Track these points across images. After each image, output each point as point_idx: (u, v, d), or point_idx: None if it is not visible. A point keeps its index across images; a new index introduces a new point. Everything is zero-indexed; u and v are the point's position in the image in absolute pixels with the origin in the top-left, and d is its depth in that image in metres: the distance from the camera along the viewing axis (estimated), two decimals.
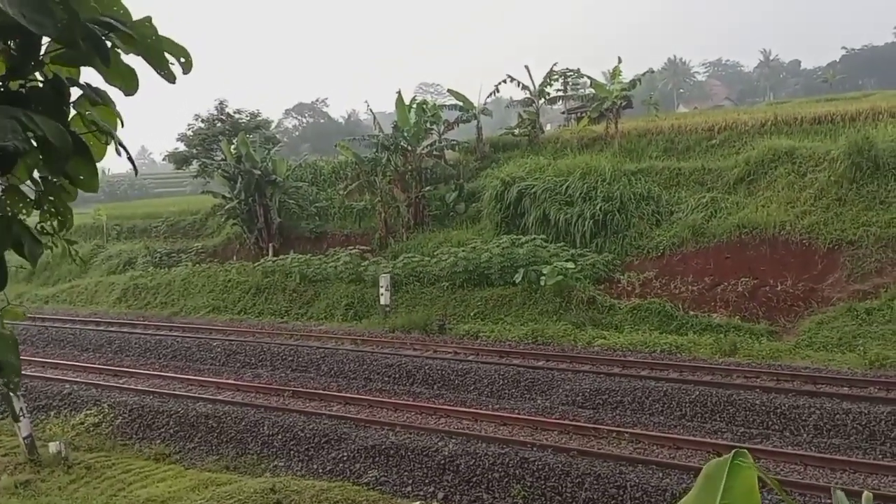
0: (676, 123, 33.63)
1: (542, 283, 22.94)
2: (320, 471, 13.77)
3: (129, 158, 3.01)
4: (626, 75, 33.89)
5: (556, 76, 36.85)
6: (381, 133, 33.96)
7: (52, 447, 14.77)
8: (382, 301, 25.15)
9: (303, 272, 28.76)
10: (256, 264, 31.05)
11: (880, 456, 12.33)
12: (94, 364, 22.10)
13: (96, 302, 33.40)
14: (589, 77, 36.94)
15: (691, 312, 21.57)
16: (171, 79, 2.89)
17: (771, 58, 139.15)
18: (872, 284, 20.20)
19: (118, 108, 2.98)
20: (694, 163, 28.74)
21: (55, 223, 3.16)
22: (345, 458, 13.88)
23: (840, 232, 22.05)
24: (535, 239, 25.58)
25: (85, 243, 41.88)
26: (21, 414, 14.65)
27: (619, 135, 32.72)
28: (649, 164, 29.42)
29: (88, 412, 17.40)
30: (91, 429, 16.76)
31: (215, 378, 19.83)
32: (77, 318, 29.51)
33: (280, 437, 15.02)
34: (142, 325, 27.39)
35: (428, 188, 33.32)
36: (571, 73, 37.97)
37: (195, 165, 44.98)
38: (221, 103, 46.62)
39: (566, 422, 14.66)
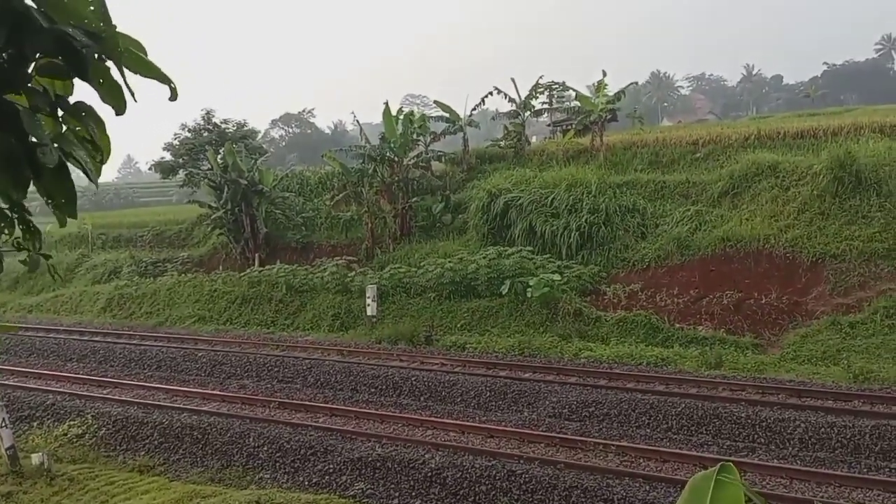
0: (661, 137, 33.91)
1: (529, 294, 23.01)
2: (306, 483, 13.70)
3: (90, 175, 3.01)
4: (611, 88, 34.25)
5: (541, 89, 37.07)
6: (367, 144, 34.02)
7: (35, 458, 14.60)
8: (369, 312, 25.13)
9: (289, 282, 28.69)
10: (242, 274, 30.94)
11: (865, 470, 12.43)
12: (78, 374, 21.91)
13: (80, 311, 33.14)
14: (574, 90, 37.27)
15: (677, 325, 21.70)
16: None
17: (754, 72, 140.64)
18: (856, 298, 20.41)
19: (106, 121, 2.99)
20: (678, 176, 28.98)
21: (30, 240, 3.17)
22: (331, 471, 13.82)
23: (823, 246, 22.27)
24: (521, 251, 25.67)
25: (70, 252, 41.66)
26: (3, 424, 14.50)
27: (605, 147, 32.95)
28: (634, 176, 29.63)
29: (72, 423, 17.22)
30: (74, 440, 16.59)
31: (200, 389, 19.72)
32: (61, 328, 29.27)
33: (266, 448, 14.94)
34: (126, 335, 27.20)
35: (415, 199, 33.37)
36: (557, 86, 38.23)
37: (181, 175, 44.85)
38: (208, 113, 46.58)
39: (553, 434, 14.68)
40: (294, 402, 18.00)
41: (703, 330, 21.29)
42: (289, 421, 16.32)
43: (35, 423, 17.57)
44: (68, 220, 2.98)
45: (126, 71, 2.82)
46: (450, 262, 25.93)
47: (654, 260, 24.85)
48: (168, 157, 45.89)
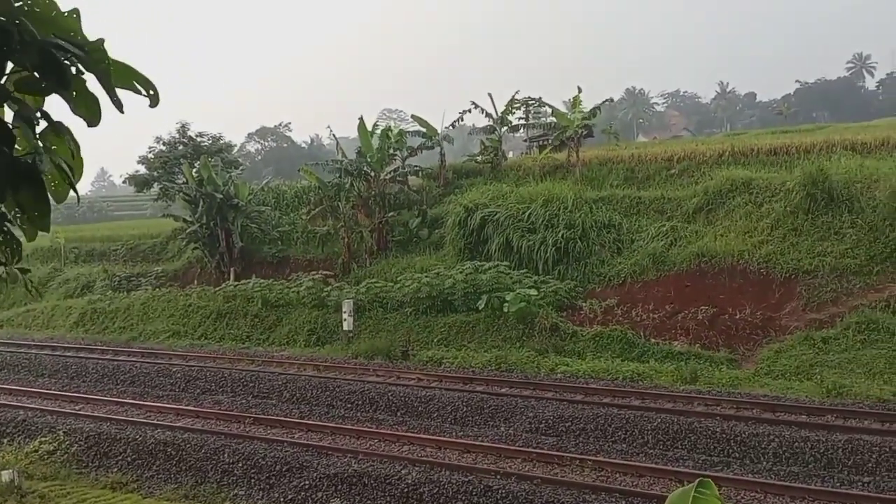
0: (636, 153, 34.26)
1: (506, 309, 23.04)
2: (281, 499, 13.57)
3: (75, 191, 2.99)
4: (587, 105, 34.57)
5: (517, 104, 37.31)
6: (344, 158, 34.00)
7: (5, 476, 14.31)
8: (345, 327, 25.03)
9: (265, 297, 28.50)
10: (217, 289, 30.71)
11: (838, 484, 12.54)
12: (50, 390, 21.57)
13: (53, 326, 32.68)
14: (550, 106, 37.55)
15: (652, 340, 21.82)
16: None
17: (727, 89, 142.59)
18: (828, 314, 20.65)
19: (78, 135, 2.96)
20: (654, 192, 29.25)
21: (8, 251, 3.12)
22: (307, 487, 13.70)
23: (796, 262, 22.55)
24: (498, 265, 25.71)
25: (42, 266, 41.10)
26: None
27: (581, 163, 33.19)
28: (610, 192, 29.85)
29: (43, 439, 16.88)
30: (46, 456, 16.27)
31: (174, 404, 19.49)
32: (32, 343, 28.82)
33: (241, 465, 14.77)
34: (99, 351, 26.86)
35: (391, 214, 33.38)
36: (533, 102, 38.49)
37: (156, 188, 44.47)
38: (183, 126, 46.23)
39: (530, 449, 14.67)
40: (269, 417, 17.84)
41: (678, 345, 21.42)
42: (264, 437, 16.17)
43: (5, 440, 17.21)
44: (40, 233, 2.94)
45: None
46: (426, 276, 25.91)
47: (629, 275, 25.00)
48: (142, 170, 45.46)
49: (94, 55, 2.75)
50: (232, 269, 34.17)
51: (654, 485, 12.76)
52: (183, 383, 21.57)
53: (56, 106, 2.85)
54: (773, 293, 22.29)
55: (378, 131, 34.22)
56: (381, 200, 33.36)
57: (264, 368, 22.70)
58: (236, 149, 60.88)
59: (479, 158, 37.95)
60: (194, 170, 36.38)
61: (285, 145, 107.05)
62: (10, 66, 2.66)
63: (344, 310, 25.15)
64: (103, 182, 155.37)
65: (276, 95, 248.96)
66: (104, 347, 27.44)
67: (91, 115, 2.85)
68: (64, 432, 17.05)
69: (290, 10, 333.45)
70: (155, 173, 44.07)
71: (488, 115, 36.70)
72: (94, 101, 2.84)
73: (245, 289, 29.51)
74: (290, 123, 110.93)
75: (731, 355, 20.58)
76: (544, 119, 38.96)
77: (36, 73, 2.66)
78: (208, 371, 22.27)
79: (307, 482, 13.80)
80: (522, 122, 38.98)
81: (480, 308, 23.79)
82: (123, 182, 53.09)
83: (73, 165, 2.97)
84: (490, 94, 36.81)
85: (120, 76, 2.87)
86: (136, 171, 45.96)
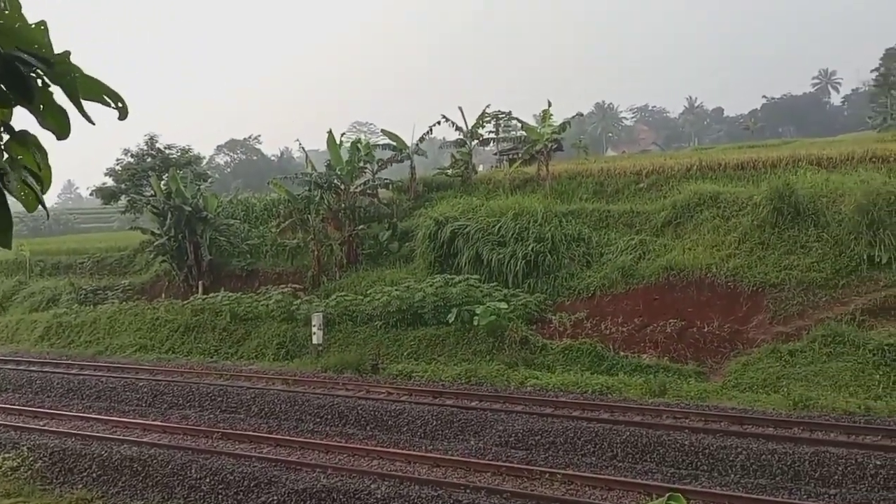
0: (606, 167, 34.57)
1: (476, 322, 23.02)
2: None
3: (43, 206, 2.93)
4: (556, 119, 34.84)
5: (488, 118, 37.51)
6: (314, 171, 33.89)
7: None
8: (315, 340, 24.85)
9: (233, 310, 28.22)
10: (186, 302, 30.35)
11: (805, 496, 12.64)
12: (14, 405, 21.14)
13: (17, 340, 32.07)
14: (520, 120, 37.80)
15: (622, 353, 21.91)
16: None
17: (695, 104, 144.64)
18: (795, 327, 20.91)
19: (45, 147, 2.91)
20: (623, 205, 29.49)
21: None
22: (275, 502, 13.52)
23: (763, 275, 22.82)
24: (468, 279, 25.72)
25: (6, 279, 40.42)
26: None
27: (550, 177, 33.39)
28: (580, 206, 30.05)
29: (6, 456, 16.55)
30: (9, 473, 15.93)
31: (141, 419, 19.18)
32: None
33: (208, 480, 14.55)
34: (65, 365, 26.40)
35: (361, 227, 33.29)
36: (503, 116, 38.73)
37: (124, 201, 44.01)
38: (152, 138, 45.85)
39: (499, 463, 14.63)
40: (237, 432, 17.62)
41: (647, 358, 21.54)
42: (232, 452, 15.95)
43: None
44: (1, 249, 2.87)
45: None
46: (397, 290, 25.83)
47: (599, 288, 25.13)
48: (110, 182, 45.00)
49: (60, 68, 2.70)
50: (200, 282, 33.83)
51: (624, 498, 12.79)
52: (150, 398, 21.26)
53: (26, 119, 2.80)
54: (741, 306, 22.52)
55: (348, 144, 34.19)
56: (351, 213, 33.27)
57: (233, 382, 22.44)
58: (205, 161, 60.46)
59: (449, 172, 38.07)
60: (163, 182, 36.05)
61: (255, 158, 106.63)
62: None
63: (313, 323, 24.98)
64: (70, 194, 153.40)
65: (246, 107, 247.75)
66: (69, 362, 26.98)
67: (59, 127, 2.80)
68: (28, 448, 16.74)
69: (261, 22, 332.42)
70: (122, 185, 43.66)
71: (459, 128, 36.84)
72: (63, 113, 2.78)
73: (213, 302, 29.20)
74: (259, 136, 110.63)
75: (699, 368, 20.73)
76: (514, 133, 39.22)
77: (1, 86, 2.60)
78: (176, 385, 21.96)
79: (275, 498, 13.63)
80: (493, 135, 39.19)
81: (450, 321, 23.76)
82: (90, 194, 52.41)
83: (41, 177, 2.90)
84: (461, 108, 37.04)
85: (88, 89, 2.82)
86: (104, 184, 45.49)
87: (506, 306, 23.29)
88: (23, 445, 16.88)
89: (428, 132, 36.73)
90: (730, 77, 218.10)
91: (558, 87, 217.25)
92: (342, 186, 33.32)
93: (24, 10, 2.64)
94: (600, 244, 27.26)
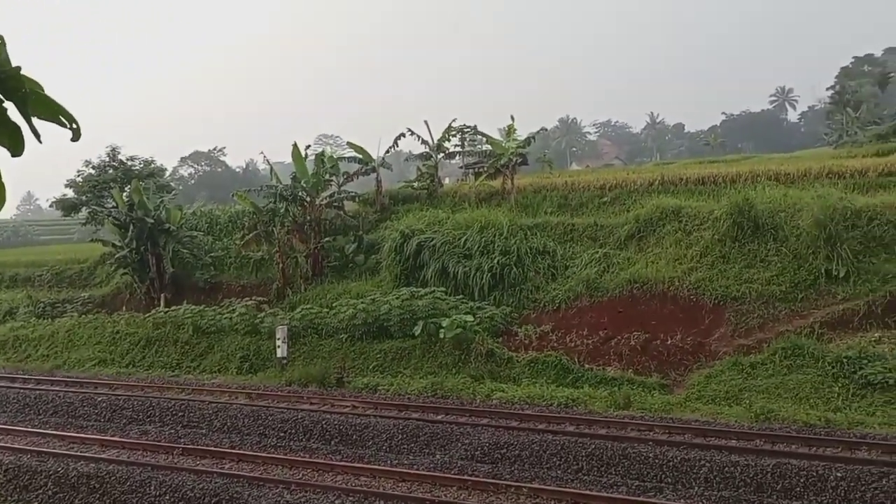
0: (570, 181, 34.85)
1: (442, 335, 22.98)
2: None
3: None
4: (521, 133, 35.14)
5: (453, 132, 37.60)
6: (279, 183, 33.68)
7: None
8: (279, 354, 24.60)
9: (196, 323, 27.83)
10: (147, 315, 29.87)
11: None
12: None
13: None
14: (485, 134, 37.99)
15: (587, 366, 22.02)
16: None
17: (657, 120, 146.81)
18: (756, 339, 21.20)
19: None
20: (587, 219, 29.75)
21: None
22: None
23: (725, 288, 23.12)
24: (434, 291, 25.69)
25: None
26: None
27: (515, 190, 33.58)
28: (545, 219, 30.24)
29: None
30: None
31: (99, 435, 18.77)
32: None
33: (168, 497, 14.27)
34: (21, 379, 25.78)
35: (327, 239, 33.12)
36: (468, 130, 38.88)
37: (84, 212, 43.34)
38: (114, 149, 45.35)
39: (465, 477, 14.56)
40: (199, 447, 17.31)
41: (611, 370, 21.67)
42: (193, 468, 15.68)
43: None
44: None
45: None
46: (362, 302, 25.71)
47: (564, 301, 25.27)
48: (70, 194, 44.32)
49: (10, 84, 2.65)
50: (162, 294, 33.35)
51: None
52: (109, 413, 20.83)
53: None
54: (703, 319, 22.79)
55: (313, 157, 34.06)
56: (316, 226, 33.09)
57: (194, 397, 22.10)
58: (168, 173, 59.87)
59: (415, 184, 38.09)
60: (124, 194, 35.56)
61: (219, 170, 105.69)
62: None
63: (278, 336, 24.73)
64: (29, 206, 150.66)
65: (211, 119, 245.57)
66: (26, 376, 26.35)
67: (13, 144, 2.75)
68: None
69: (228, 34, 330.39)
70: (83, 197, 43.09)
71: (424, 141, 36.90)
72: (16, 129, 2.73)
73: (176, 315, 28.77)
74: (224, 148, 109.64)
75: (662, 380, 20.90)
76: (480, 147, 39.39)
77: None
78: (136, 400, 21.55)
79: None
80: (458, 149, 39.31)
81: (416, 334, 23.68)
82: (50, 206, 51.54)
83: None
84: (426, 122, 37.10)
85: (42, 108, 2.77)
86: (64, 195, 44.85)
87: (472, 319, 23.30)
88: None
89: (394, 145, 36.74)
90: (690, 93, 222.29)
91: (522, 100, 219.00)
92: (308, 199, 33.15)
93: None
94: (565, 257, 27.44)
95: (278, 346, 24.64)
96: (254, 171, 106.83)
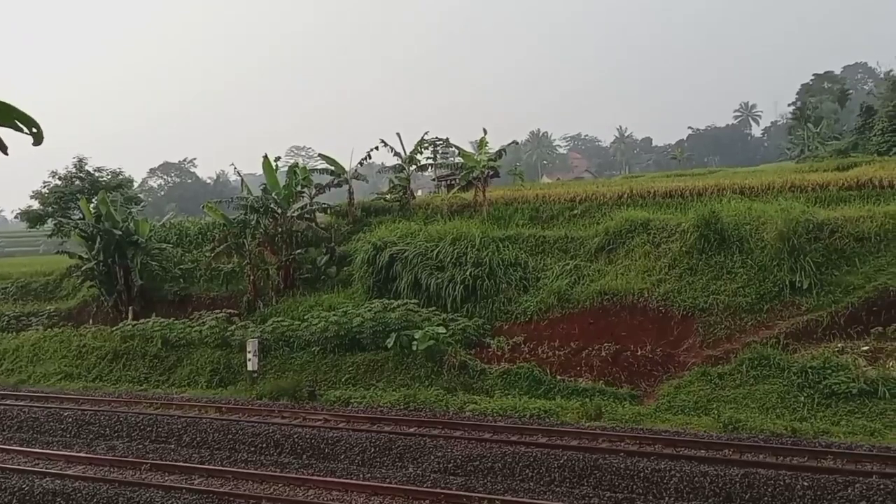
0: (541, 193, 35.15)
1: (414, 347, 22.98)
2: None
3: None
4: (493, 146, 35.42)
5: (426, 144, 37.78)
6: (249, 195, 33.51)
7: None
8: (250, 367, 24.41)
9: (165, 336, 27.54)
10: (115, 328, 29.48)
11: None
12: None
13: None
14: (457, 147, 38.22)
15: (559, 377, 22.12)
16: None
17: (626, 134, 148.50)
18: (723, 350, 21.50)
19: None
20: (558, 231, 30.01)
21: None
22: None
23: (693, 300, 23.45)
24: (406, 303, 25.68)
25: None
26: None
27: (487, 203, 33.79)
28: (516, 231, 30.46)
29: None
30: None
31: (65, 451, 18.43)
32: None
33: None
34: None
35: (299, 251, 32.98)
36: (441, 142, 39.08)
37: (50, 224, 42.71)
38: (80, 160, 44.77)
39: (438, 490, 14.54)
40: (168, 463, 17.09)
41: (583, 381, 21.80)
42: (161, 484, 15.47)
43: None
44: None
45: None
46: (334, 315, 25.61)
47: (536, 313, 25.43)
48: (36, 205, 43.66)
49: None
50: (130, 307, 32.92)
51: None
52: (75, 428, 20.48)
53: None
54: (672, 330, 23.07)
55: (285, 168, 33.97)
56: (288, 238, 32.95)
57: (163, 411, 21.84)
58: (137, 184, 59.24)
59: (388, 196, 38.18)
60: (92, 205, 35.12)
61: (189, 181, 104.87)
62: None
63: (248, 349, 24.55)
64: None
65: (180, 130, 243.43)
66: None
67: None
68: None
69: (200, 44, 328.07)
70: (49, 209, 42.47)
71: (397, 154, 37.00)
72: None
73: (144, 328, 28.43)
74: (194, 159, 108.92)
75: (633, 391, 21.08)
76: (452, 159, 39.62)
77: None
78: (103, 415, 21.22)
79: None
80: (430, 161, 39.47)
81: (389, 346, 23.65)
82: (15, 217, 50.71)
83: None
84: (398, 134, 37.24)
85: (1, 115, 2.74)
86: (29, 207, 44.16)
87: (444, 331, 23.34)
88: None
89: (366, 157, 36.78)
90: (657, 108, 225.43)
91: (492, 114, 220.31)
92: (279, 210, 33.02)
93: None
94: (537, 269, 27.62)
95: (249, 360, 24.45)
96: (224, 183, 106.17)
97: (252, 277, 31.81)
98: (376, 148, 36.59)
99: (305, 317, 26.72)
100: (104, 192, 35.75)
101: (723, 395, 19.43)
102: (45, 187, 43.54)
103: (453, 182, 37.25)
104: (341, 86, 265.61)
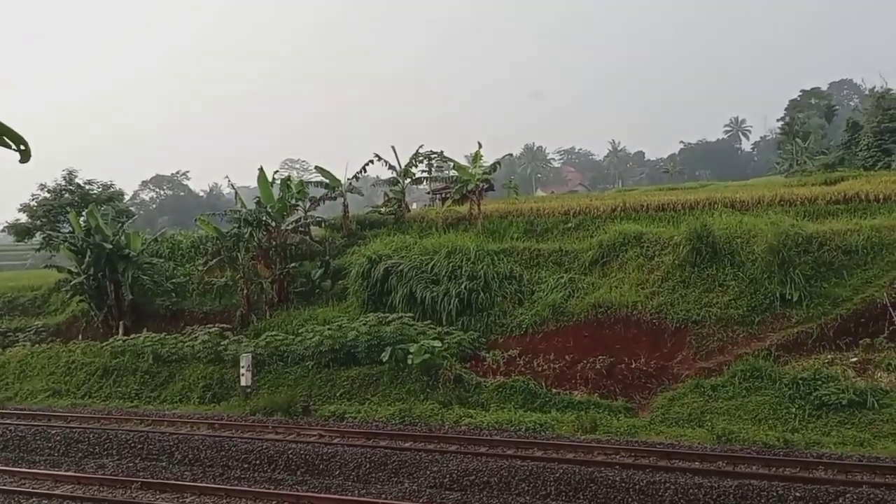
0: (535, 206, 35.21)
1: (410, 361, 22.87)
2: None
3: None
4: (487, 159, 35.49)
5: (421, 158, 37.87)
6: (243, 208, 33.42)
7: None
8: (243, 382, 24.26)
9: (156, 352, 27.34)
10: (105, 344, 29.22)
11: None
12: None
13: None
14: (451, 160, 38.26)
15: (554, 390, 22.09)
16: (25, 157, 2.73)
17: (619, 148, 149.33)
18: (716, 362, 21.55)
19: None
20: (552, 244, 30.04)
21: None
22: None
23: (685, 312, 23.49)
24: (401, 317, 25.57)
25: None
26: None
27: (482, 216, 33.81)
28: (511, 244, 30.48)
29: None
30: None
31: (52, 470, 18.16)
32: None
33: None
34: None
35: (293, 265, 32.88)
36: (435, 156, 39.15)
37: (39, 238, 42.46)
38: (70, 173, 44.61)
39: None
40: (159, 481, 16.89)
41: (578, 394, 21.79)
42: (152, 503, 15.34)
43: None
44: None
45: None
46: (329, 329, 25.49)
47: (530, 326, 25.41)
48: (24, 218, 43.43)
49: None
50: (121, 322, 32.67)
51: None
52: (63, 447, 20.18)
53: None
54: (666, 342, 23.10)
55: (280, 181, 33.93)
56: (282, 251, 32.86)
57: (154, 428, 21.65)
58: (128, 197, 59.04)
59: (382, 210, 38.20)
60: (81, 219, 34.92)
61: (182, 194, 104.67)
62: None
63: (242, 364, 24.40)
64: None
65: (174, 143, 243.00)
66: None
67: None
68: None
69: (191, 58, 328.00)
70: (38, 222, 42.24)
71: (392, 167, 37.05)
72: None
73: (135, 343, 28.20)
74: (187, 172, 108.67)
75: (627, 404, 21.08)
76: (447, 172, 39.67)
77: None
78: (92, 433, 20.96)
79: None
80: (425, 174, 39.55)
81: (384, 360, 23.54)
82: (2, 231, 50.42)
83: None
84: (393, 147, 37.30)
85: None
86: (17, 220, 43.90)
87: (440, 344, 23.26)
88: None
89: (361, 170, 36.80)
90: (650, 122, 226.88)
91: (487, 127, 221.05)
92: (273, 224, 32.94)
93: None
94: (531, 282, 27.63)
95: (242, 375, 24.30)
96: (218, 196, 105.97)
97: (245, 291, 31.66)
98: (371, 162, 36.69)
99: (300, 331, 26.60)
100: (94, 206, 35.55)
101: (716, 406, 19.45)
102: (33, 200, 43.35)
103: (448, 195, 37.29)
104: (336, 97, 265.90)
